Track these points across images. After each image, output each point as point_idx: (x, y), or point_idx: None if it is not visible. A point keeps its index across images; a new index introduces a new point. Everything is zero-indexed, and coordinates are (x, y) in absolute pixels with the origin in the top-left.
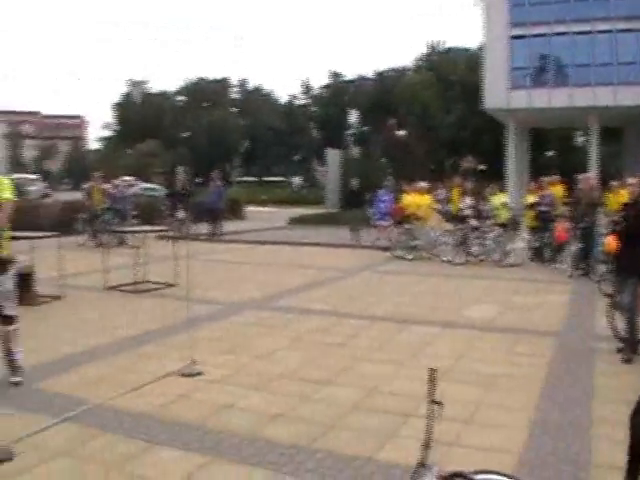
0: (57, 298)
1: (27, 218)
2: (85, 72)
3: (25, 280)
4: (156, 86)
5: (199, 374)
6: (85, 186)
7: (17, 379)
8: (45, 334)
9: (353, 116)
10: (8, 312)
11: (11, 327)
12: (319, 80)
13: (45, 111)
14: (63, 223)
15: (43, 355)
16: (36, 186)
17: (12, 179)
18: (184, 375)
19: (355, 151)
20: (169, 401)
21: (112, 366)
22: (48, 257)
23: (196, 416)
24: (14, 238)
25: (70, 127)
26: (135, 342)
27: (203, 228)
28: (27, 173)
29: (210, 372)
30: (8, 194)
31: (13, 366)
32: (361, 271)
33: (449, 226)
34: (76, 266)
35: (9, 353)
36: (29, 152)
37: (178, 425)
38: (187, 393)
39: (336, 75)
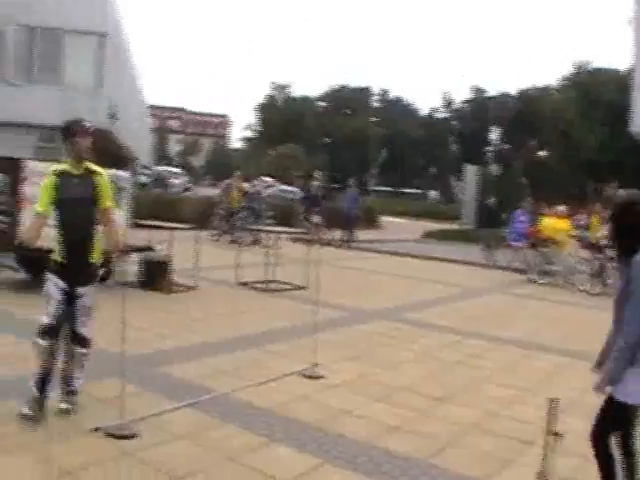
0: (191, 288)
1: (168, 209)
2: (231, 73)
3: (163, 268)
4: (298, 90)
5: (321, 377)
6: (224, 183)
7: (66, 406)
8: (176, 322)
9: (494, 133)
10: (84, 333)
11: (84, 350)
12: (461, 94)
13: (190, 108)
14: (201, 217)
15: (172, 341)
16: (179, 180)
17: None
18: (306, 376)
19: (494, 168)
20: (289, 400)
21: (237, 359)
22: (185, 249)
23: (314, 418)
24: (153, 227)
25: (214, 125)
26: (261, 339)
27: (336, 234)
28: (171, 166)
29: (331, 377)
30: (110, 202)
31: (68, 391)
32: (492, 291)
33: (585, 254)
34: (210, 260)
35: (69, 378)
36: (174, 146)
37: (296, 424)
38: (307, 394)
39: (479, 90)
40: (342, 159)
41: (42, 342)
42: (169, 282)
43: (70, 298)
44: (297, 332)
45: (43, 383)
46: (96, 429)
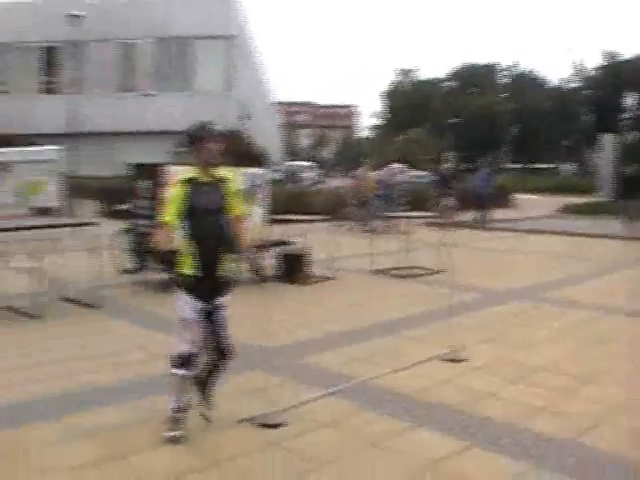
0: (327, 279)
1: (301, 202)
2: (357, 62)
3: (300, 260)
4: (425, 73)
5: (462, 360)
6: (355, 173)
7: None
8: (314, 312)
9: (630, 98)
10: (229, 344)
11: (229, 360)
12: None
13: (318, 101)
14: (335, 208)
15: (312, 331)
16: (310, 173)
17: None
18: (446, 360)
19: (631, 136)
20: (430, 384)
21: (375, 347)
22: (320, 240)
23: (456, 401)
24: (289, 221)
25: (342, 116)
26: (400, 325)
27: (470, 215)
28: (301, 161)
29: (471, 359)
30: (240, 209)
31: (208, 397)
32: (633, 265)
33: None
34: (345, 249)
35: (210, 387)
36: (303, 140)
37: (438, 408)
38: (448, 378)
39: (612, 55)
40: (471, 139)
41: (180, 372)
42: (306, 274)
43: (209, 312)
44: (435, 316)
45: (179, 410)
46: (243, 420)
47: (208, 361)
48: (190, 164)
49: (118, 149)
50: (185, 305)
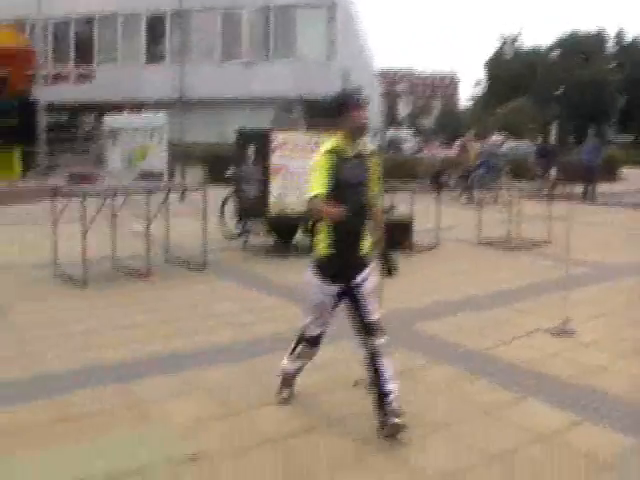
0: (432, 248)
1: (403, 171)
2: (460, 30)
3: (404, 228)
4: (528, 42)
5: (571, 334)
6: (458, 142)
7: (397, 420)
8: (419, 281)
9: None
10: (376, 320)
11: (383, 339)
12: None
13: (419, 70)
14: (436, 177)
15: (419, 300)
16: (410, 142)
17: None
18: (554, 334)
19: None
20: (539, 357)
21: (484, 317)
22: (422, 209)
23: (566, 374)
24: (394, 189)
25: (443, 85)
26: (508, 296)
27: (576, 188)
28: (402, 129)
29: (581, 334)
30: (378, 187)
31: (383, 403)
32: None
33: None
34: (449, 219)
35: (380, 386)
36: (403, 109)
37: (547, 380)
38: (557, 351)
39: None
40: (577, 110)
41: (311, 350)
42: (410, 242)
43: (349, 292)
44: (542, 289)
45: (294, 375)
46: (356, 383)
47: (365, 351)
48: (294, 131)
49: (222, 116)
50: (316, 287)
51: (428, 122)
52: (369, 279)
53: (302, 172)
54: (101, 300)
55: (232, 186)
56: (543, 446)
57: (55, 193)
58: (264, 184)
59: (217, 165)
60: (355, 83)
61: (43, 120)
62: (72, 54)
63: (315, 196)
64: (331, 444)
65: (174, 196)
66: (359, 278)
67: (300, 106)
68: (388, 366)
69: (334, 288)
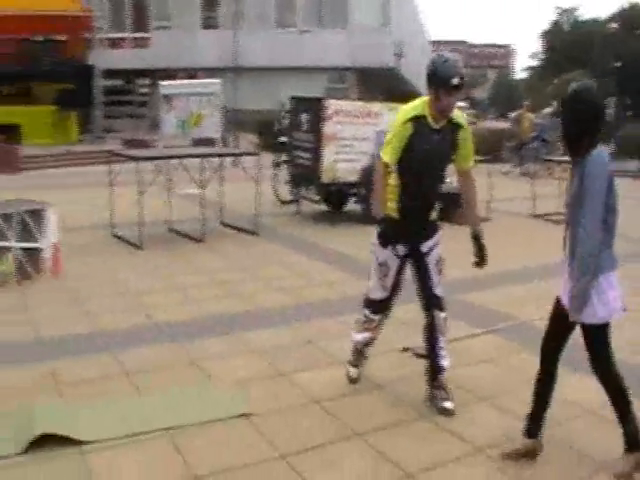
0: (484, 220)
1: None
2: (514, 2)
3: (455, 200)
4: (587, 13)
5: (625, 310)
6: (513, 115)
7: (449, 405)
8: (471, 252)
9: None
10: (440, 293)
11: (443, 313)
12: None
13: (473, 41)
14: (490, 150)
15: (471, 270)
16: (463, 113)
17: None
18: None
19: None
20: None
21: (536, 289)
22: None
23: (622, 354)
24: None
25: (497, 56)
26: (558, 269)
27: (634, 165)
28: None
29: (635, 310)
30: (471, 162)
31: (435, 377)
32: None
33: None
34: (501, 192)
35: (436, 356)
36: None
37: None
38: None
39: None
40: (636, 83)
41: (375, 317)
42: (461, 213)
43: (414, 259)
44: None
45: (361, 352)
46: (404, 349)
47: (425, 321)
48: (346, 98)
49: (275, 84)
50: (383, 249)
51: (482, 94)
52: (435, 249)
53: (354, 140)
54: (156, 261)
55: (285, 152)
56: (587, 419)
57: (111, 157)
58: (317, 151)
59: (270, 131)
60: (408, 53)
61: (99, 85)
62: (128, 20)
63: (383, 162)
64: (377, 407)
65: (227, 161)
66: (425, 247)
67: (353, 74)
68: (444, 342)
69: (400, 248)
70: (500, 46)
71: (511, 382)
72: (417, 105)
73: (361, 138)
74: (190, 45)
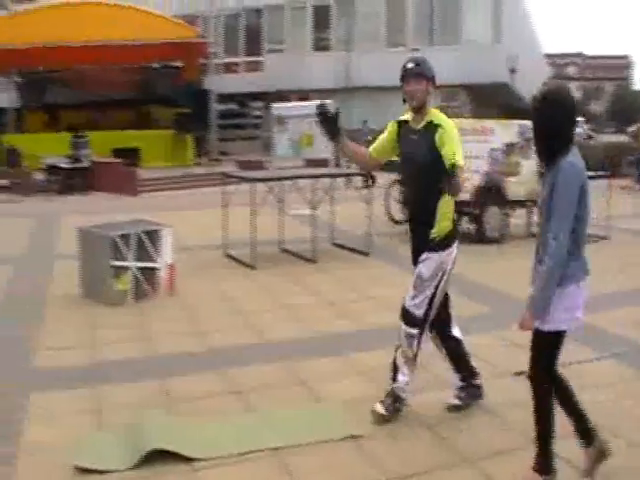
0: (601, 238)
1: None
2: (633, 9)
3: None
4: None
5: None
6: (632, 128)
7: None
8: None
9: None
10: (410, 308)
11: (410, 329)
12: None
13: (589, 52)
14: (609, 165)
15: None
16: (580, 128)
17: None
18: None
19: None
20: None
21: None
22: (592, 197)
23: None
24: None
25: (615, 68)
26: None
27: None
28: None
29: None
30: (455, 159)
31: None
32: None
33: None
34: (620, 208)
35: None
36: (573, 94)
37: None
38: None
39: None
40: None
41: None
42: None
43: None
44: None
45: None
46: (517, 373)
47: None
48: (459, 117)
49: (387, 103)
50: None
51: (600, 107)
52: (428, 264)
53: (467, 158)
54: (267, 281)
55: (397, 172)
56: None
57: (225, 178)
58: None
59: None
60: (521, 67)
61: (214, 108)
62: (241, 45)
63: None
64: (488, 432)
65: (339, 181)
66: (422, 256)
67: (465, 91)
68: (401, 354)
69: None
70: (619, 57)
71: (625, 406)
72: (402, 113)
73: (474, 156)
74: (302, 67)
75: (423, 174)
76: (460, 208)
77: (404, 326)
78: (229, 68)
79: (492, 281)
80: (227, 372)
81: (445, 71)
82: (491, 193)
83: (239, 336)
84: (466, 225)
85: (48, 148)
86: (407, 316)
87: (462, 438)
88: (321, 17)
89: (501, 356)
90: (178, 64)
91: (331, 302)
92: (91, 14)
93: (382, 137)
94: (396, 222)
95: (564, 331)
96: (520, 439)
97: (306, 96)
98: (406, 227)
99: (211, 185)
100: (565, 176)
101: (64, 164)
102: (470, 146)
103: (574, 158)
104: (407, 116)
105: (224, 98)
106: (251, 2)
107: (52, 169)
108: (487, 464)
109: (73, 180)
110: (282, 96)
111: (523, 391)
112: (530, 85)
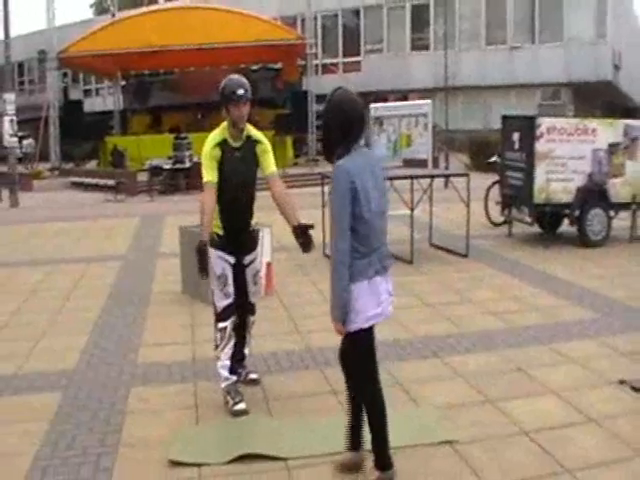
0: None
1: None
2: None
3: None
4: None
5: None
6: None
7: (255, 376)
8: None
9: None
10: (255, 301)
11: (253, 317)
12: None
13: None
14: None
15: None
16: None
17: None
18: None
19: None
20: None
21: None
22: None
23: None
24: None
25: None
26: None
27: None
28: None
29: None
30: (272, 167)
31: (242, 358)
32: None
33: None
34: None
35: (243, 344)
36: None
37: None
38: None
39: None
40: None
41: (225, 324)
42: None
43: (238, 269)
44: None
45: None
46: (622, 382)
47: (238, 320)
48: (562, 116)
49: (486, 103)
50: (219, 260)
51: None
52: (257, 260)
53: (569, 159)
54: None
55: (496, 173)
56: None
57: (322, 179)
58: (529, 171)
59: (481, 152)
60: (627, 64)
61: (313, 109)
62: (340, 45)
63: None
64: (589, 442)
65: (439, 182)
66: (249, 257)
67: (568, 90)
68: (250, 337)
69: (231, 259)
70: None
71: None
72: (216, 134)
73: (577, 156)
74: (401, 67)
75: (249, 186)
76: (562, 210)
77: (252, 317)
78: (327, 69)
79: (594, 285)
80: (324, 371)
81: (547, 69)
82: (594, 195)
83: (335, 335)
84: (566, 228)
85: (151, 149)
86: (254, 309)
87: (562, 447)
88: (420, 16)
89: (605, 364)
90: (278, 66)
91: (429, 304)
92: (196, 18)
93: (212, 165)
94: (495, 224)
95: (365, 330)
96: (625, 449)
97: (405, 96)
98: (505, 229)
99: (309, 185)
100: (336, 177)
101: (166, 165)
102: (573, 146)
103: (346, 160)
104: (221, 137)
105: (323, 99)
106: (350, 2)
107: (155, 169)
108: (589, 475)
109: (175, 180)
110: (381, 96)
111: (626, 400)
112: (635, 82)
